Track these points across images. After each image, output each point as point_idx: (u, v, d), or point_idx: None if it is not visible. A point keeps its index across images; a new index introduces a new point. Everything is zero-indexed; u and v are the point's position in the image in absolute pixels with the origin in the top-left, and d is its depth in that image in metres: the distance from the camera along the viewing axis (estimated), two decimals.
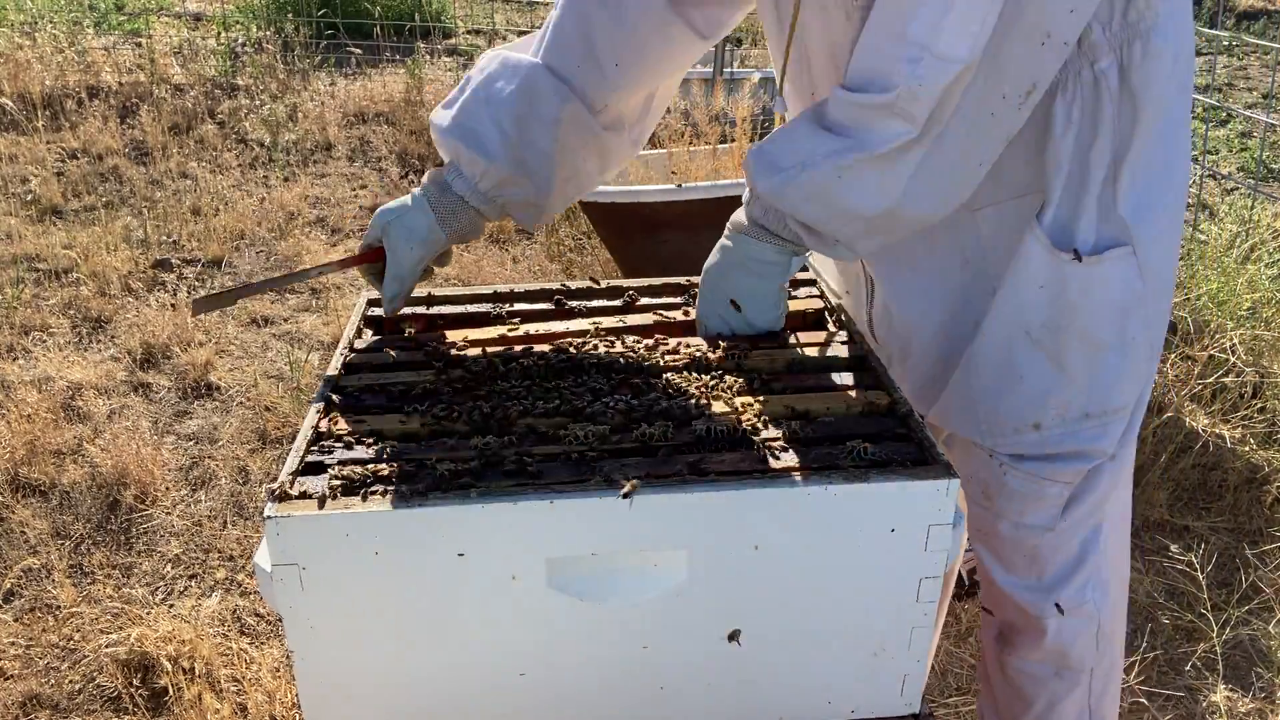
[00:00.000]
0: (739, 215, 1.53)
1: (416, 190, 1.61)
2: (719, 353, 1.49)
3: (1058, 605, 1.68)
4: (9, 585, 2.77)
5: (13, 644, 2.60)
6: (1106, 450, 1.59)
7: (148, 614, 2.65)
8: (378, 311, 1.65)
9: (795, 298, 1.62)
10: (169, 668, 2.40)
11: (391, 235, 1.58)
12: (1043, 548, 1.64)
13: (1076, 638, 1.70)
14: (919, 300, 1.62)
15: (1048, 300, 1.50)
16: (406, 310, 1.66)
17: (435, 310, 1.68)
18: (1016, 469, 1.60)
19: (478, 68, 1.63)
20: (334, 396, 1.41)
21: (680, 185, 3.71)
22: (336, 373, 1.47)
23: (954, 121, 1.33)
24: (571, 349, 1.52)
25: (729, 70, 5.54)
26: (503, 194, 1.60)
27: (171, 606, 2.74)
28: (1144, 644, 2.54)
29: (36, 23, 7.40)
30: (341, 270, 1.66)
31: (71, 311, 4.26)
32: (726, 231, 1.54)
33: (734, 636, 1.26)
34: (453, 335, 1.60)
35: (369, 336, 1.58)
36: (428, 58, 7.20)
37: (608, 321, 1.62)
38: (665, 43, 1.64)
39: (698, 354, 1.49)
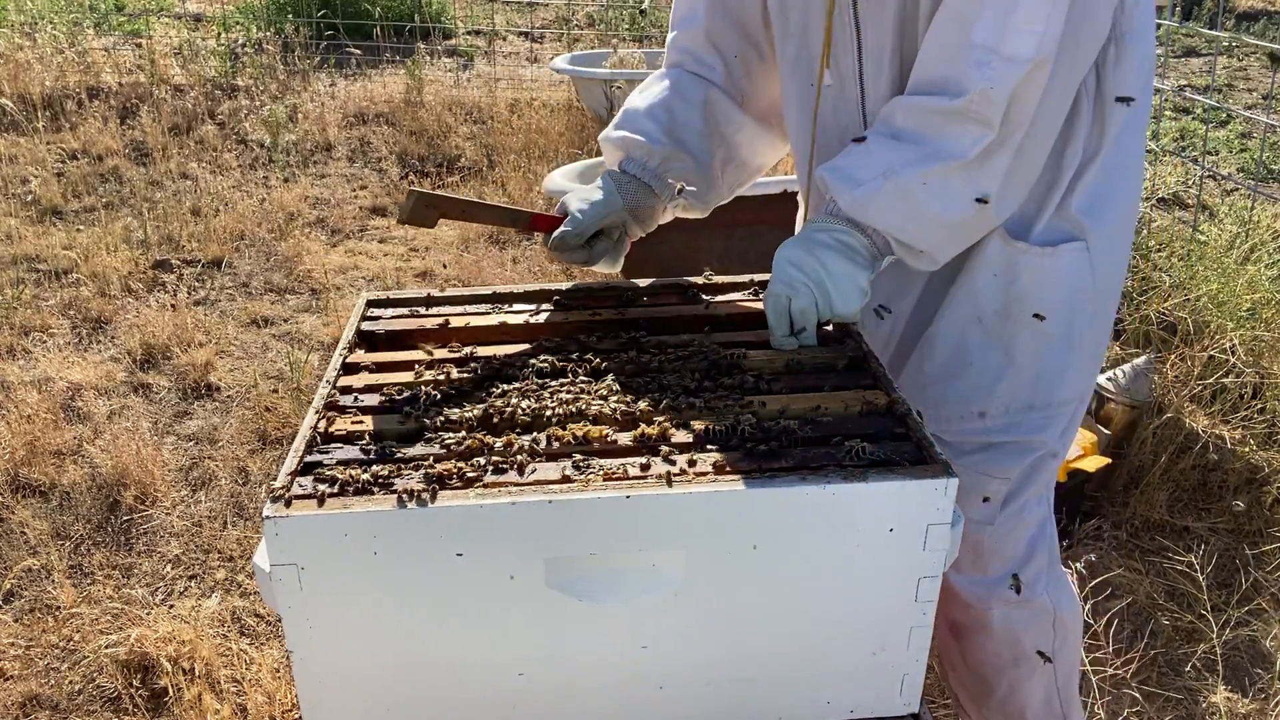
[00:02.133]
0: (822, 214, 1.50)
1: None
2: (718, 353, 1.49)
3: (1015, 587, 1.71)
4: (9, 585, 2.77)
5: (13, 644, 2.60)
6: (1048, 443, 1.63)
7: (148, 614, 2.65)
8: (371, 327, 1.64)
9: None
10: (169, 668, 2.40)
11: (570, 201, 1.66)
12: (985, 543, 1.68)
13: (1027, 629, 1.74)
14: (903, 291, 1.66)
15: (1001, 287, 1.55)
16: (410, 325, 1.65)
17: (435, 310, 1.68)
18: (957, 463, 1.62)
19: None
20: (334, 399, 1.41)
21: None
22: (335, 374, 1.47)
23: (1041, 120, 1.37)
24: (573, 352, 1.52)
25: None
26: (669, 169, 1.70)
27: (171, 607, 2.73)
28: (1144, 644, 2.54)
29: (37, 23, 7.41)
30: (529, 229, 1.72)
31: (71, 312, 4.26)
32: (810, 221, 1.51)
33: None
34: (456, 322, 1.61)
35: (361, 354, 1.55)
36: (427, 58, 7.21)
37: (606, 314, 1.63)
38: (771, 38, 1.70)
39: (697, 354, 1.49)
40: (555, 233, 1.64)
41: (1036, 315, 1.56)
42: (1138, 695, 2.41)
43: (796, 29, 1.60)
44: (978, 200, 1.38)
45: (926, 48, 1.39)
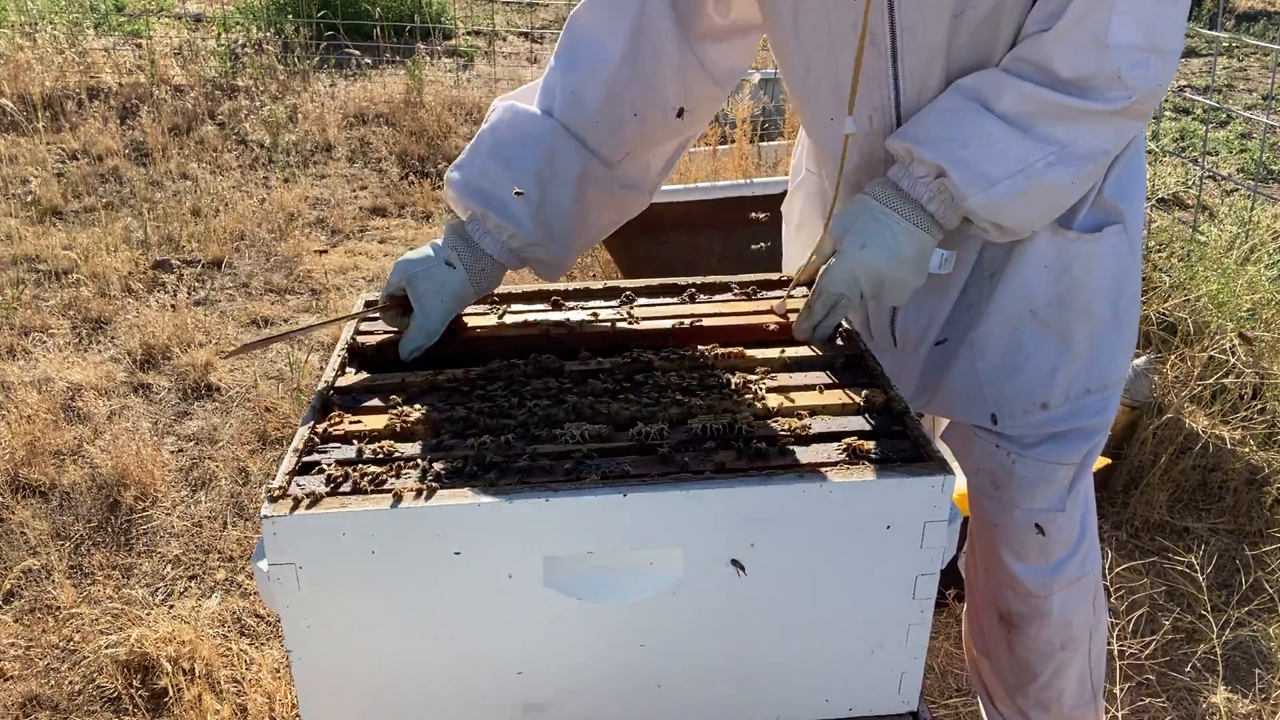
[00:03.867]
0: (889, 197, 1.44)
1: (438, 243, 1.58)
2: (716, 352, 1.49)
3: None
4: (9, 586, 2.77)
5: (13, 645, 2.60)
6: (1108, 423, 1.66)
7: (148, 615, 2.65)
8: (366, 338, 1.62)
9: (793, 296, 1.62)
10: (169, 669, 2.40)
11: (420, 289, 1.53)
12: (1052, 529, 1.69)
13: (1078, 608, 1.76)
14: (935, 288, 1.64)
15: (1053, 278, 1.56)
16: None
17: None
18: (1025, 456, 1.64)
19: (489, 123, 1.61)
20: (332, 398, 1.41)
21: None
22: (333, 374, 1.47)
23: None
24: (567, 351, 1.52)
25: None
26: (528, 253, 1.60)
27: (171, 607, 2.74)
28: (1144, 645, 2.54)
29: (37, 24, 7.42)
30: (367, 317, 1.62)
31: (71, 312, 4.26)
32: (883, 202, 1.44)
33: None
34: (453, 323, 1.61)
35: (352, 375, 1.50)
36: (428, 59, 7.21)
37: (605, 314, 1.63)
38: (683, 91, 1.63)
39: (694, 353, 1.49)
40: (410, 349, 1.52)
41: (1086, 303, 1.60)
42: (1139, 695, 2.41)
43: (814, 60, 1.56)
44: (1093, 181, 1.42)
45: (1049, 41, 1.33)
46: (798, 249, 1.95)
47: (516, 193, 1.54)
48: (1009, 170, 1.35)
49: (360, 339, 1.58)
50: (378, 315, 1.60)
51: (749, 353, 1.50)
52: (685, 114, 1.65)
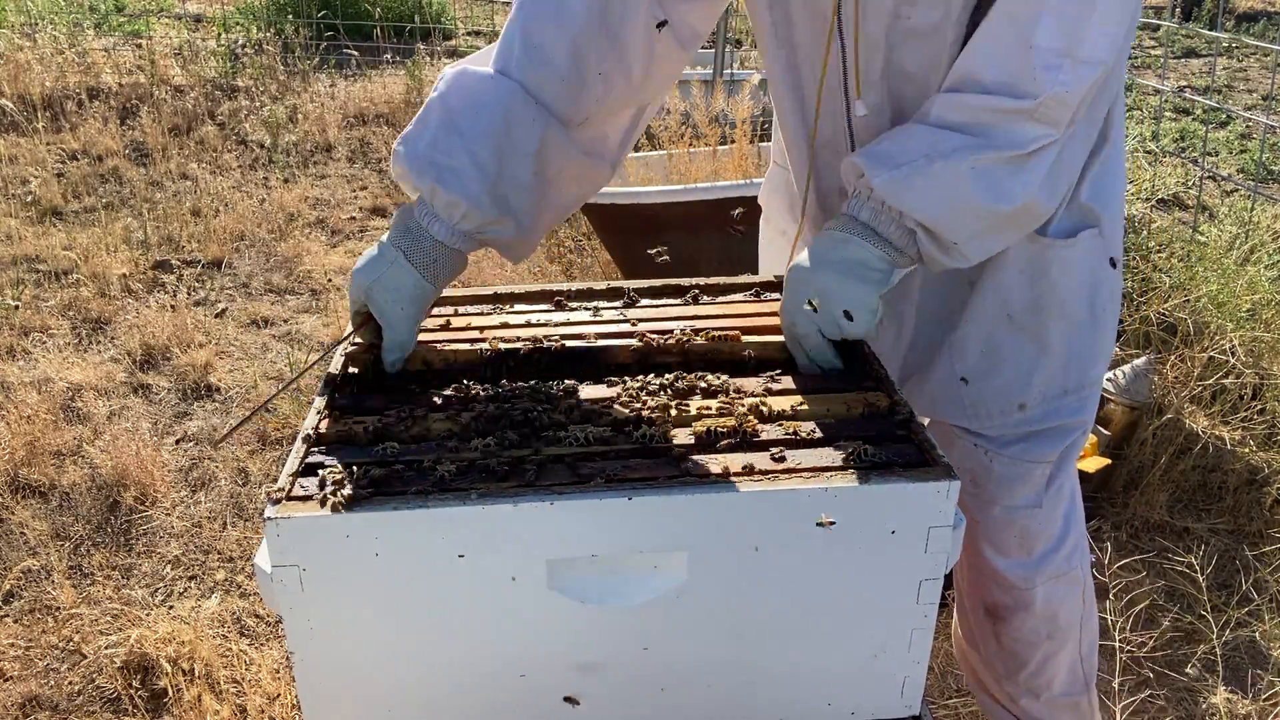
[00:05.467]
0: (835, 222, 1.45)
1: (384, 239, 1.48)
2: (719, 354, 1.49)
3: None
4: (9, 586, 2.77)
5: (12, 645, 2.60)
6: (1085, 421, 1.68)
7: (147, 615, 2.65)
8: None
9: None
10: (169, 669, 2.40)
11: (377, 300, 1.45)
12: (1031, 524, 1.71)
13: (1064, 601, 1.77)
14: (911, 292, 1.66)
15: (1028, 283, 1.58)
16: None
17: (435, 311, 1.67)
18: (1002, 455, 1.67)
19: (438, 91, 1.49)
20: (335, 396, 1.41)
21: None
22: (336, 373, 1.47)
23: (1081, 119, 1.38)
24: (570, 348, 1.52)
25: (729, 71, 5.55)
26: (485, 233, 1.49)
27: (171, 608, 2.73)
28: (1144, 645, 2.54)
29: (37, 24, 7.41)
30: (339, 345, 1.54)
31: (71, 313, 4.26)
32: (823, 232, 1.46)
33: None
34: (456, 323, 1.60)
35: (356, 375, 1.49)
36: (428, 59, 7.21)
37: (608, 314, 1.63)
38: (648, 53, 1.57)
39: (698, 356, 1.49)
40: (390, 362, 1.46)
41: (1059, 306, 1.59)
42: (1138, 694, 2.41)
43: (785, 40, 1.58)
44: (1025, 192, 1.36)
45: (977, 49, 1.36)
46: (766, 242, 2.00)
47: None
48: (916, 154, 1.36)
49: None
50: (352, 344, 1.51)
51: (754, 355, 1.50)
52: (647, 78, 1.59)
